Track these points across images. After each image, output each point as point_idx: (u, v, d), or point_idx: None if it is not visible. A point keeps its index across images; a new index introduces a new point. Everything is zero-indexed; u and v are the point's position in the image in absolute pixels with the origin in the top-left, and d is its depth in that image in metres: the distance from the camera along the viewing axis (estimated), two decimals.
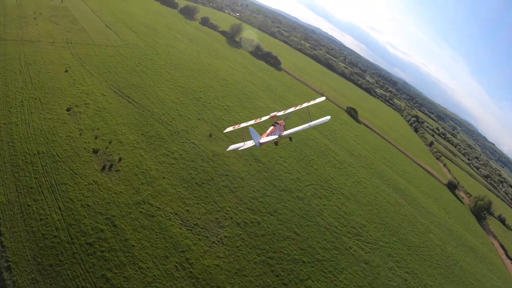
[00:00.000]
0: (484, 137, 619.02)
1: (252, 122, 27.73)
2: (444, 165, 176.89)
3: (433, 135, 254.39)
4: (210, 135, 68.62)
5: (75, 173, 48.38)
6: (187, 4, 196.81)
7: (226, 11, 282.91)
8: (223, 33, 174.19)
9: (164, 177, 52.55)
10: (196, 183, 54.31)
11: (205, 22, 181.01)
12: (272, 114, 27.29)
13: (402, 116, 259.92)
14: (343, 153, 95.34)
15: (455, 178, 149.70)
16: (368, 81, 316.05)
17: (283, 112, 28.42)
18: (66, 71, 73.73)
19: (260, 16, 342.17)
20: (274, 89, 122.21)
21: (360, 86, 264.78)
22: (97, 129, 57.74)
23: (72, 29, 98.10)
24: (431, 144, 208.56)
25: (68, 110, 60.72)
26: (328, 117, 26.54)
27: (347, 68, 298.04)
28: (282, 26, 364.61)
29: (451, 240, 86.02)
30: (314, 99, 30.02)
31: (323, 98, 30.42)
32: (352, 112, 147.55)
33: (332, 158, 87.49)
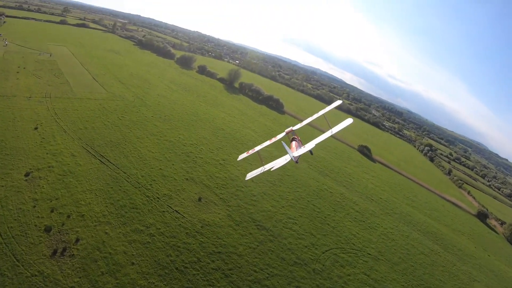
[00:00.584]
0: (496, 154, 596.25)
1: (267, 143, 25.77)
2: (468, 192, 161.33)
3: (449, 162, 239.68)
4: (200, 199, 56.95)
5: (18, 260, 36.52)
6: (184, 54, 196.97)
7: (226, 59, 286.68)
8: (221, 80, 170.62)
9: (133, 263, 40.05)
10: (177, 268, 41.59)
11: (202, 70, 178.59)
12: (287, 129, 25.68)
13: (415, 146, 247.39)
14: (363, 201, 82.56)
15: (483, 206, 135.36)
16: (375, 115, 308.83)
17: (299, 125, 26.03)
18: (36, 128, 64.75)
19: (260, 62, 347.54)
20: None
21: (367, 121, 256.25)
22: (56, 199, 46.60)
23: (54, 83, 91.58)
24: (449, 172, 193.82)
25: (26, 175, 50.38)
26: (351, 120, 22.49)
27: (352, 105, 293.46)
28: (282, 70, 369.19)
29: (497, 284, 70.51)
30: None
31: (339, 102, 28.26)
32: (364, 151, 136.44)
33: (350, 209, 74.72)
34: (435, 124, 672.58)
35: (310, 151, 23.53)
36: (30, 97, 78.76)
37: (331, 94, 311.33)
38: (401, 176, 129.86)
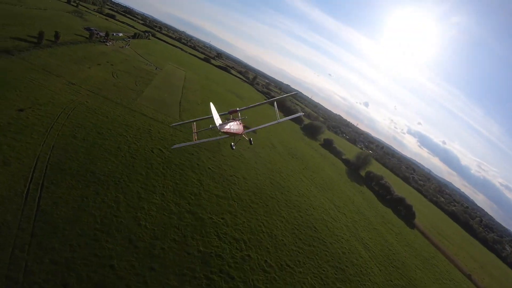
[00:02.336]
0: None
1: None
2: None
3: None
4: None
5: None
6: (312, 122, 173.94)
7: (359, 145, 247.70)
8: (346, 161, 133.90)
9: None
10: None
11: (327, 144, 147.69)
12: (232, 109, 23.05)
13: None
14: None
15: None
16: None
17: (245, 108, 24.03)
18: (21, 110, 41.28)
19: (394, 159, 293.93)
20: (401, 262, 64.56)
21: (503, 259, 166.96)
22: None
23: (123, 86, 74.13)
24: None
25: None
26: (302, 113, 26.79)
27: (488, 234, 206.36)
28: (416, 174, 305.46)
29: None
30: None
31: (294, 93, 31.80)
32: None
33: None
34: None
35: (250, 140, 24.75)
36: (73, 83, 60.14)
37: (466, 215, 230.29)
38: None
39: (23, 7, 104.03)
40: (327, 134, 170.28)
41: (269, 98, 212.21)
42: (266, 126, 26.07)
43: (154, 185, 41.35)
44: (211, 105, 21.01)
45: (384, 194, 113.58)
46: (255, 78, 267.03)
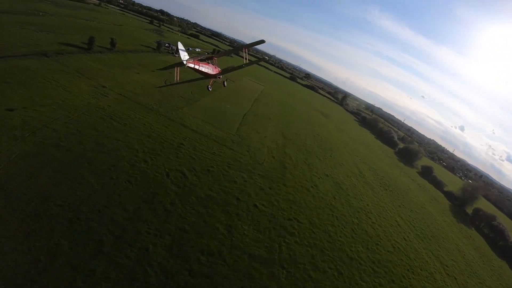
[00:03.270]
0: None
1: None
2: None
3: None
4: None
5: None
6: (408, 146, 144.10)
7: (458, 174, 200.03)
8: (448, 195, 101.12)
9: None
10: None
11: (426, 173, 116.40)
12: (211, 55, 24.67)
13: None
14: None
15: None
16: None
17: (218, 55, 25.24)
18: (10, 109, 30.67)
19: (494, 190, 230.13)
20: None
21: None
22: None
23: (168, 94, 61.50)
24: None
25: None
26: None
27: None
28: None
29: None
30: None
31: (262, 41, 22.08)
32: None
33: None
34: None
35: (224, 83, 27.07)
36: (105, 86, 50.04)
37: None
38: None
39: (95, 22, 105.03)
40: (424, 161, 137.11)
41: (359, 119, 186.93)
42: (236, 69, 24.73)
43: (139, 230, 24.87)
44: (179, 43, 21.17)
45: (496, 240, 79.04)
46: (344, 98, 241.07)
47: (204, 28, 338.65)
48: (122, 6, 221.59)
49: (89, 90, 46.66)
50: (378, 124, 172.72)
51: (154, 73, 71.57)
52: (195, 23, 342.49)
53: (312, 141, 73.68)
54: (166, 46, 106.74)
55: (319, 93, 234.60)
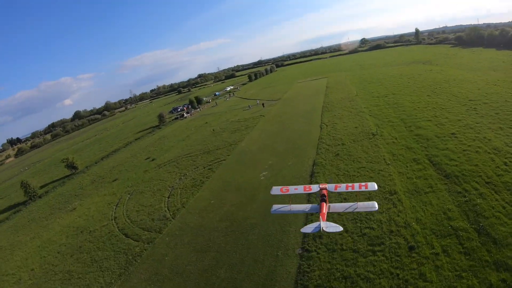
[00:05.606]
0: None
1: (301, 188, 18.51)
2: None
3: None
4: None
5: None
6: None
7: None
8: None
9: None
10: None
11: None
12: (322, 185, 17.49)
13: None
14: None
15: None
16: None
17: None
18: None
19: None
20: None
21: None
22: None
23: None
24: None
25: None
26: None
27: None
28: None
29: None
30: None
31: None
32: None
33: None
34: None
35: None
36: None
37: None
38: None
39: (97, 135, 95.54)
40: None
41: (456, 42, 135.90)
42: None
43: None
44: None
45: None
46: (417, 34, 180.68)
47: (242, 65, 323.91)
48: (154, 94, 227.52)
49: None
50: (483, 35, 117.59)
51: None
52: (235, 66, 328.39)
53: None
54: (175, 111, 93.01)
55: (388, 47, 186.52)
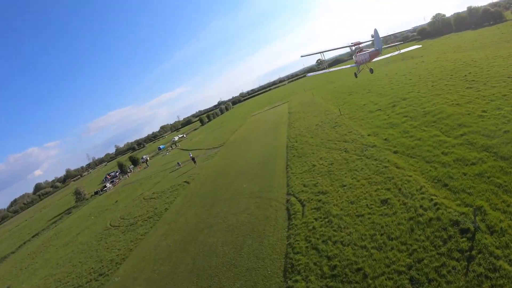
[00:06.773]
0: None
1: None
2: None
3: None
4: None
5: None
6: None
7: None
8: None
9: None
10: None
11: None
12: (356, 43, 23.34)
13: None
14: None
15: None
16: None
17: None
18: None
19: None
20: None
21: None
22: None
23: None
24: None
25: None
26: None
27: None
28: None
29: None
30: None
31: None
32: None
33: None
34: None
35: (371, 69, 24.25)
36: None
37: None
38: None
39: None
40: None
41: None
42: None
43: None
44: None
45: None
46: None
47: (205, 110, 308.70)
48: (114, 155, 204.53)
49: None
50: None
51: None
52: (197, 112, 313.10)
53: None
54: (104, 179, 75.86)
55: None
